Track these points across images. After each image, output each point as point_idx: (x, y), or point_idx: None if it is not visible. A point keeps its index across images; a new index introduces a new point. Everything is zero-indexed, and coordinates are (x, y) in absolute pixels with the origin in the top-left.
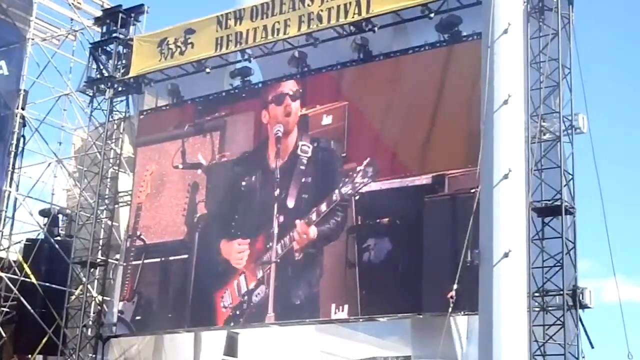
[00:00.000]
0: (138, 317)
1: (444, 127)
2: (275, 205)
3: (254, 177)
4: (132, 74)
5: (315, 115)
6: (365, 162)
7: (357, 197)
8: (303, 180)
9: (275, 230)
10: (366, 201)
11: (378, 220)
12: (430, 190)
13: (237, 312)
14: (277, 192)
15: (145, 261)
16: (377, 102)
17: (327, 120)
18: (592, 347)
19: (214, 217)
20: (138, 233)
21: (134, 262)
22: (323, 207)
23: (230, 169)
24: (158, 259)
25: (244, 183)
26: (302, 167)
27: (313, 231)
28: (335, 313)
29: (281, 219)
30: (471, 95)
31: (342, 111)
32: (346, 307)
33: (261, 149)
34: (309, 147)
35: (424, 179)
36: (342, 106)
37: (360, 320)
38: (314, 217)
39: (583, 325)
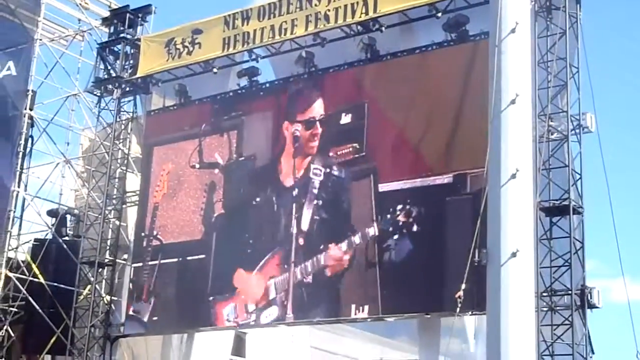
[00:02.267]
0: (155, 318)
1: (466, 126)
2: (295, 224)
3: (267, 193)
4: (139, 74)
5: (333, 115)
6: (409, 200)
7: (377, 197)
8: (315, 202)
9: (293, 253)
10: (387, 201)
11: (399, 220)
12: (452, 189)
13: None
14: (294, 211)
15: (162, 261)
16: (397, 100)
17: (345, 119)
18: (593, 353)
19: (231, 222)
20: (155, 233)
21: (150, 262)
22: (356, 239)
23: (246, 178)
24: (175, 259)
25: (258, 199)
26: (315, 190)
27: (345, 259)
28: (356, 314)
29: (301, 241)
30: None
31: (361, 109)
32: (366, 307)
33: (274, 165)
34: (320, 171)
35: (446, 178)
36: (361, 104)
37: (369, 320)
38: (344, 246)
39: (587, 330)
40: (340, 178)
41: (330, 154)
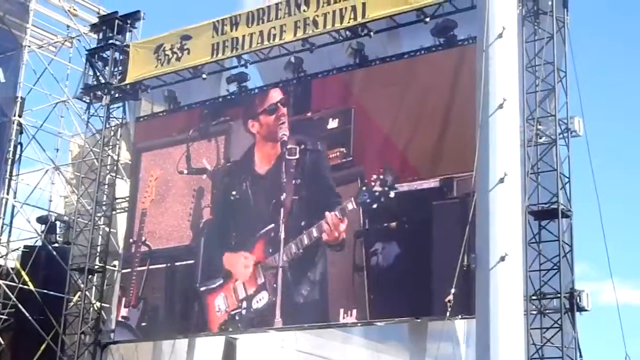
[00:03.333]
0: (144, 324)
1: (454, 130)
2: (272, 208)
3: (244, 186)
4: (128, 80)
5: (320, 119)
6: (382, 170)
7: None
8: (293, 182)
9: (279, 233)
10: (382, 200)
11: (386, 224)
12: (439, 194)
13: (236, 318)
14: (274, 194)
15: (151, 267)
16: (385, 105)
17: (332, 124)
18: (581, 357)
19: (217, 224)
20: (143, 239)
21: (139, 268)
22: (336, 214)
23: (226, 177)
24: (164, 265)
25: (234, 192)
26: (292, 170)
27: (342, 227)
28: (344, 318)
29: (284, 225)
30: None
31: (348, 115)
32: (354, 311)
33: (247, 157)
34: (295, 149)
35: (433, 183)
36: (348, 110)
37: (358, 325)
38: (339, 214)
39: (576, 333)
40: (316, 151)
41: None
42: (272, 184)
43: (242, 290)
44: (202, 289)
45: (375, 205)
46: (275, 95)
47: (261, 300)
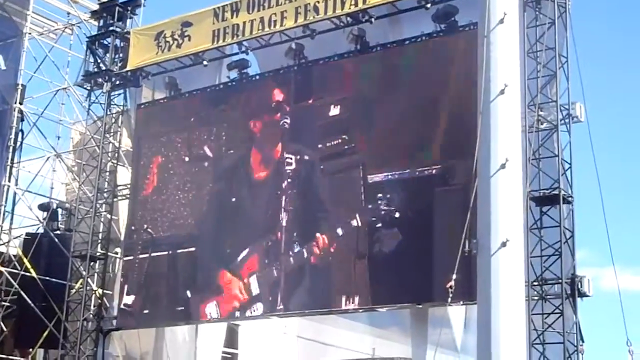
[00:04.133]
0: (146, 311)
1: (455, 117)
2: (271, 217)
3: (242, 192)
4: (129, 67)
5: (321, 107)
6: (387, 195)
7: (366, 188)
8: (289, 192)
9: (283, 244)
10: (376, 192)
11: (388, 212)
12: (441, 180)
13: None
14: (271, 203)
15: (153, 254)
16: (386, 92)
17: (334, 111)
18: (583, 342)
19: (218, 214)
20: (145, 226)
21: (141, 256)
22: (339, 231)
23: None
24: (165, 252)
25: (234, 199)
26: (289, 180)
27: (332, 247)
28: (346, 305)
29: (279, 234)
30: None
31: (349, 102)
32: (356, 298)
33: (244, 161)
34: (292, 159)
35: (434, 169)
36: (349, 97)
37: (360, 311)
38: (327, 237)
39: (577, 319)
40: (313, 163)
41: (319, 145)
42: (270, 191)
43: (236, 303)
44: (196, 293)
45: (379, 225)
46: (277, 95)
47: (255, 311)
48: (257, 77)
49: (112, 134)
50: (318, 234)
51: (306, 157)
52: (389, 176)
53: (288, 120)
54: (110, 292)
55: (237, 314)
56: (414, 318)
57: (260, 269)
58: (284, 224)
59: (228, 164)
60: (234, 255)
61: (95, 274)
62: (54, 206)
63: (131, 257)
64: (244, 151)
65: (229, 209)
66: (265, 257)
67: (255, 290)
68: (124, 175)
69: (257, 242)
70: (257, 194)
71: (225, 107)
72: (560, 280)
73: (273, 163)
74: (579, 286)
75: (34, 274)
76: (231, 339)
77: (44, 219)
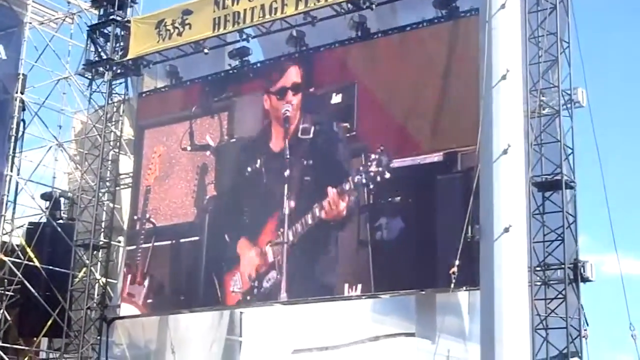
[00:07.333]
0: (150, 300)
1: (457, 103)
2: (285, 188)
3: (258, 163)
4: (130, 56)
5: (323, 95)
6: (379, 149)
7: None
8: (305, 162)
9: (287, 213)
10: (378, 180)
11: (390, 199)
12: (443, 167)
13: (248, 297)
14: (286, 173)
15: (156, 244)
16: (387, 79)
17: (336, 99)
18: (587, 325)
19: (224, 201)
20: (147, 216)
21: (144, 245)
22: (333, 193)
23: (237, 153)
24: (169, 242)
25: (249, 169)
26: (305, 150)
27: (342, 205)
28: (349, 292)
29: (291, 203)
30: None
31: (351, 89)
32: (359, 286)
33: (263, 134)
34: (309, 129)
35: (436, 157)
36: (351, 84)
37: (363, 297)
38: (340, 190)
39: (580, 304)
40: (331, 130)
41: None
42: (284, 162)
43: (253, 270)
44: (219, 268)
45: (371, 186)
46: (294, 73)
47: (270, 280)
48: (259, 64)
49: (113, 122)
50: (330, 189)
51: (325, 126)
52: (382, 169)
53: (294, 104)
54: (114, 281)
55: (256, 282)
56: (419, 304)
57: (275, 237)
58: (298, 191)
59: (241, 146)
60: (253, 225)
61: (99, 263)
62: (57, 195)
63: (134, 247)
64: (259, 126)
65: (245, 183)
66: (279, 227)
67: (270, 257)
68: (126, 164)
69: (274, 212)
70: (274, 165)
71: (228, 95)
72: (563, 266)
73: (289, 137)
74: (582, 271)
75: (37, 264)
76: (234, 327)
77: (46, 208)
